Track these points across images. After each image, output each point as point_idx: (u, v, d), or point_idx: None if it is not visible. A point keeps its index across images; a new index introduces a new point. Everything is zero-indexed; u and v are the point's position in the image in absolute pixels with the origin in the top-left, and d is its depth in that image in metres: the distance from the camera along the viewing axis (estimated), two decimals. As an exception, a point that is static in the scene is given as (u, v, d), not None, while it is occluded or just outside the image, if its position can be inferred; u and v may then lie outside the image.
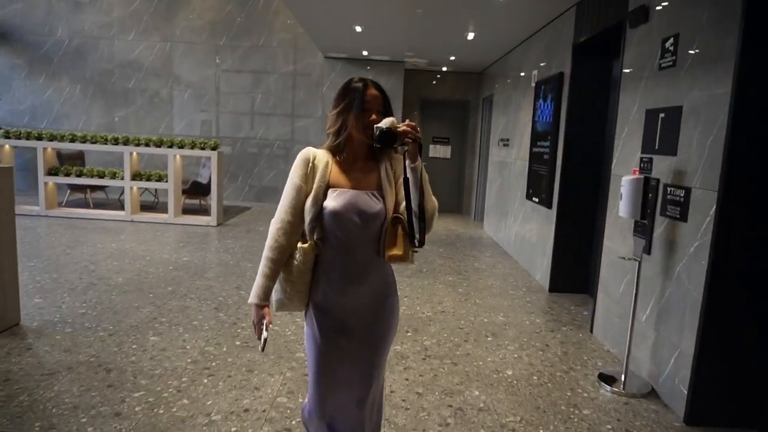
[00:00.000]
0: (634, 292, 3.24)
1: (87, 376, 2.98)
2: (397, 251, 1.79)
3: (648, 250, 3.28)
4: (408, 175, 1.76)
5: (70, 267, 5.17)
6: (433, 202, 1.83)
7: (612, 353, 3.79)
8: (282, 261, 1.79)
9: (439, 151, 10.31)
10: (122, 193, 8.30)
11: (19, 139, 7.73)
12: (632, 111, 3.65)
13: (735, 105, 2.61)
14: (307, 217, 1.77)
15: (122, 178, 7.76)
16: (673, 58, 3.14)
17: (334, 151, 1.84)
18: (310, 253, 1.78)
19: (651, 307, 3.30)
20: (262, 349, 1.78)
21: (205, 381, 3.01)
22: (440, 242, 7.51)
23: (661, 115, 3.23)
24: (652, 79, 3.39)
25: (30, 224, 7.10)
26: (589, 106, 4.95)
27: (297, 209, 1.78)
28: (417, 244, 1.80)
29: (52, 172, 7.83)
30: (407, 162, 1.75)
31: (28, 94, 9.94)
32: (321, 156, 1.82)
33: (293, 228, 1.79)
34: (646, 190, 3.10)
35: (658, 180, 3.19)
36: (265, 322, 1.78)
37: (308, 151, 1.83)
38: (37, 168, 7.77)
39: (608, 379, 3.33)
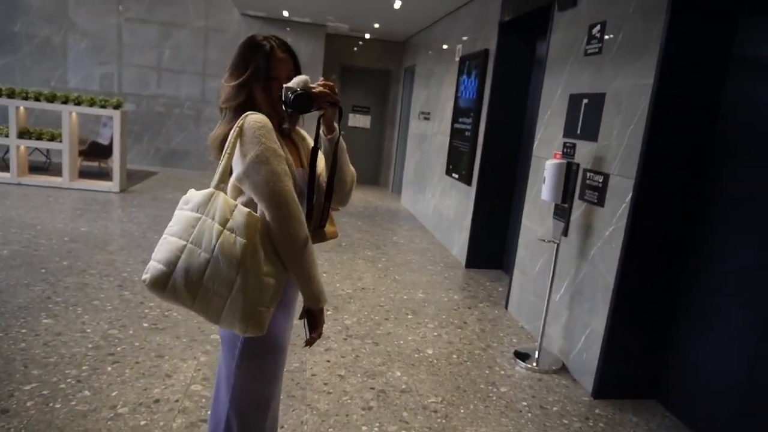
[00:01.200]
0: (552, 272, 3.34)
1: (-34, 367, 2.63)
2: (334, 228, 1.68)
3: (566, 232, 3.38)
4: (320, 145, 1.55)
5: (-57, 236, 4.56)
6: (351, 172, 1.66)
7: (526, 330, 3.93)
8: None
9: (359, 121, 10.15)
10: (7, 152, 7.42)
11: None
12: (556, 94, 3.71)
13: (656, 96, 2.69)
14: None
15: (6, 136, 6.92)
16: (599, 45, 3.19)
17: None
18: None
19: (565, 287, 3.43)
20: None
21: (109, 369, 2.76)
22: (358, 215, 7.44)
23: (585, 100, 3.29)
24: (578, 64, 3.44)
25: None
26: (513, 85, 5.01)
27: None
28: (319, 224, 1.61)
29: None
30: (322, 130, 1.53)
31: None
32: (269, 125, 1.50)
33: None
34: (568, 174, 3.17)
35: (578, 165, 3.27)
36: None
37: (265, 118, 1.47)
38: None
39: (523, 356, 3.44)
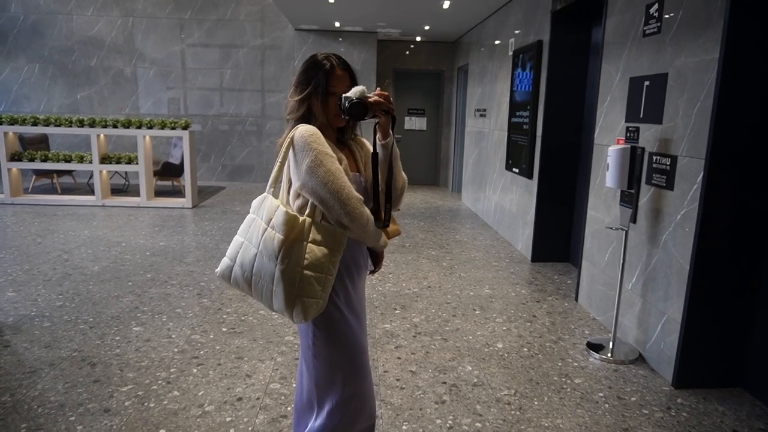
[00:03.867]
0: (621, 260, 3.26)
1: (71, 372, 2.88)
2: (397, 227, 1.79)
3: (634, 219, 3.29)
4: (378, 150, 1.66)
5: (42, 257, 4.99)
6: (403, 178, 1.77)
7: (598, 321, 3.84)
8: None
9: (414, 123, 10.21)
10: (91, 177, 8.01)
11: (-23, 124, 7.35)
12: (615, 79, 3.62)
13: (722, 72, 2.59)
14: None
15: (90, 162, 7.48)
16: (658, 24, 3.10)
17: None
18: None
19: (637, 275, 3.34)
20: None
21: (195, 371, 2.95)
22: (420, 216, 7.49)
23: (646, 83, 3.20)
24: (636, 46, 3.35)
25: (-5, 213, 6.81)
26: (569, 75, 4.92)
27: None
28: (383, 224, 1.70)
29: (15, 157, 7.50)
30: (378, 136, 1.65)
31: (-17, 76, 9.45)
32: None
33: None
34: (633, 159, 3.09)
35: (643, 149, 3.18)
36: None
37: (314, 128, 1.60)
38: (-2, 154, 7.43)
39: (596, 347, 3.37)
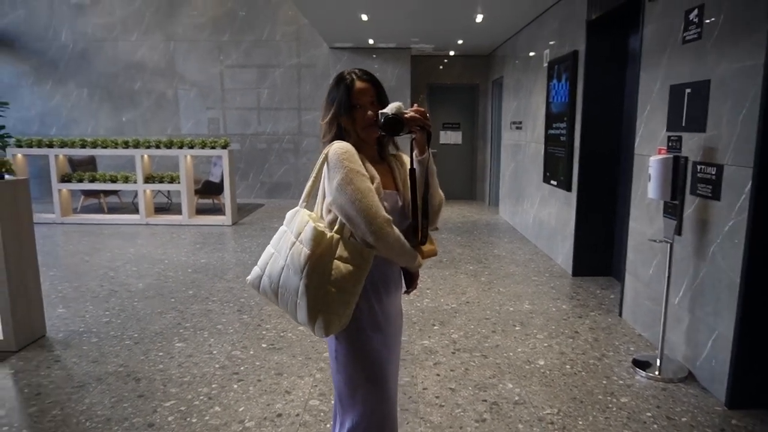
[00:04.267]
0: (667, 274, 3.15)
1: (117, 387, 2.96)
2: (433, 246, 1.75)
3: (679, 231, 3.19)
4: (414, 166, 1.66)
5: (90, 274, 5.17)
6: (440, 195, 1.75)
7: (644, 337, 3.71)
8: None
9: (450, 137, 10.19)
10: (135, 196, 8.29)
11: (32, 147, 7.72)
12: (654, 88, 3.54)
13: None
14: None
15: (135, 182, 7.74)
16: (698, 30, 3.02)
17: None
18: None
19: (684, 290, 3.22)
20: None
21: (235, 386, 2.98)
22: (457, 230, 7.43)
23: (687, 90, 3.12)
24: (676, 53, 3.27)
25: (47, 232, 7.11)
26: (606, 84, 4.83)
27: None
28: (420, 241, 1.69)
29: (65, 179, 7.83)
30: (414, 153, 1.65)
31: (36, 101, 9.94)
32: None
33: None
34: (676, 169, 3.00)
35: (686, 158, 3.08)
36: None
37: (349, 145, 1.61)
38: (49, 175, 7.78)
39: (643, 364, 3.26)
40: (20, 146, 7.76)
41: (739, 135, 2.70)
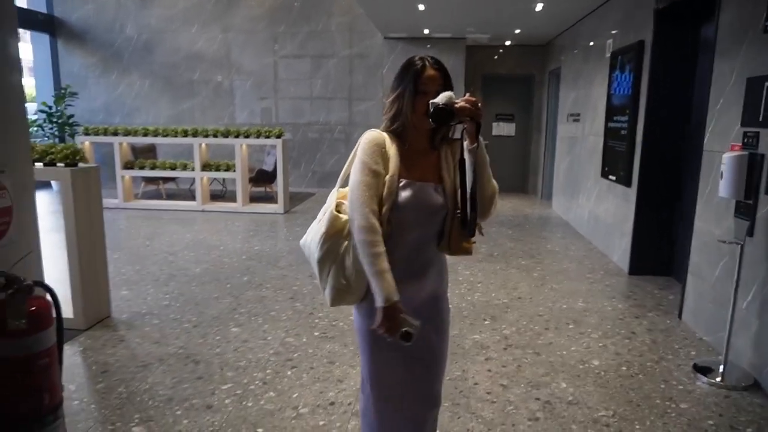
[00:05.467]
0: (736, 277, 3.00)
1: (177, 368, 3.08)
2: (466, 244, 1.72)
3: (751, 232, 3.02)
4: (465, 157, 1.63)
5: (150, 258, 5.39)
6: (493, 186, 1.69)
7: (705, 341, 3.56)
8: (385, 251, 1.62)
9: (503, 129, 10.01)
10: (192, 183, 8.57)
11: (98, 135, 8.09)
12: (730, 80, 3.35)
13: None
14: (384, 207, 1.63)
15: (193, 170, 8.00)
16: (781, 19, 2.83)
17: (399, 137, 1.69)
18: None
19: (753, 294, 3.06)
20: (410, 338, 1.57)
21: (289, 373, 3.05)
22: (508, 223, 7.32)
23: (767, 83, 2.93)
24: (756, 43, 3.08)
25: (111, 217, 7.43)
26: (674, 76, 4.61)
27: (379, 198, 1.62)
28: (468, 232, 1.68)
29: (128, 166, 8.17)
30: (465, 143, 1.62)
31: (102, 91, 10.39)
32: (390, 141, 1.68)
33: (378, 216, 1.63)
34: (751, 167, 2.84)
35: (763, 156, 2.91)
36: (404, 316, 1.57)
37: (378, 134, 1.68)
38: (113, 162, 8.13)
39: (704, 369, 3.12)
40: (88, 134, 8.14)
41: (823, 132, 2.53)
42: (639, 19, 4.96)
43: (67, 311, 3.58)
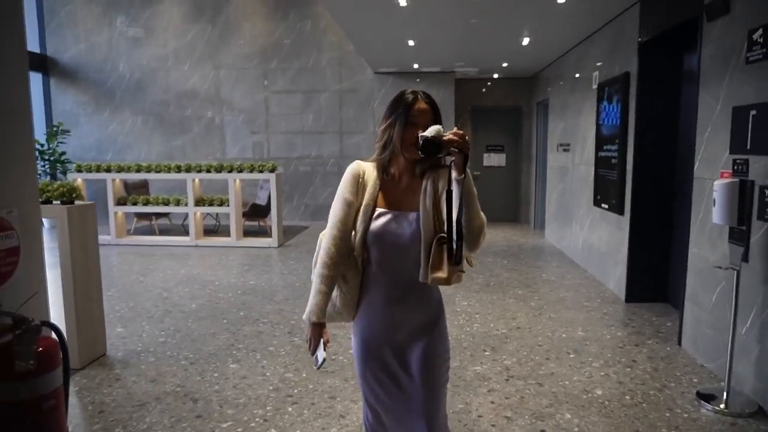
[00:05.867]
0: (734, 303, 3.02)
1: (175, 407, 3.02)
2: (440, 274, 1.67)
3: (746, 257, 3.06)
4: (452, 188, 1.65)
5: (144, 295, 5.32)
6: (480, 218, 1.68)
7: (707, 368, 3.55)
8: (337, 276, 1.76)
9: (493, 160, 10.14)
10: (186, 218, 8.55)
11: (91, 172, 8.08)
12: (716, 109, 3.44)
13: None
14: (357, 234, 1.75)
15: (186, 205, 7.99)
16: (763, 50, 2.93)
17: (383, 166, 1.79)
18: (356, 268, 1.79)
19: (752, 319, 3.08)
20: (318, 368, 1.81)
21: (290, 409, 3.00)
22: (502, 253, 7.34)
23: (752, 112, 3.02)
24: (738, 74, 3.18)
25: (103, 253, 7.29)
26: (661, 106, 4.73)
27: (347, 225, 1.76)
28: (453, 262, 1.68)
29: (120, 202, 8.15)
30: (453, 174, 1.64)
31: (94, 129, 10.42)
32: (370, 171, 1.79)
33: (344, 243, 1.76)
34: (742, 193, 2.89)
35: (753, 182, 2.97)
36: (322, 340, 1.77)
37: (358, 165, 1.81)
38: (105, 198, 8.10)
39: (707, 397, 3.11)
40: (80, 171, 8.13)
41: (811, 158, 2.60)
42: (623, 52, 5.11)
43: (62, 351, 3.53)
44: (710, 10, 3.42)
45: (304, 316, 1.76)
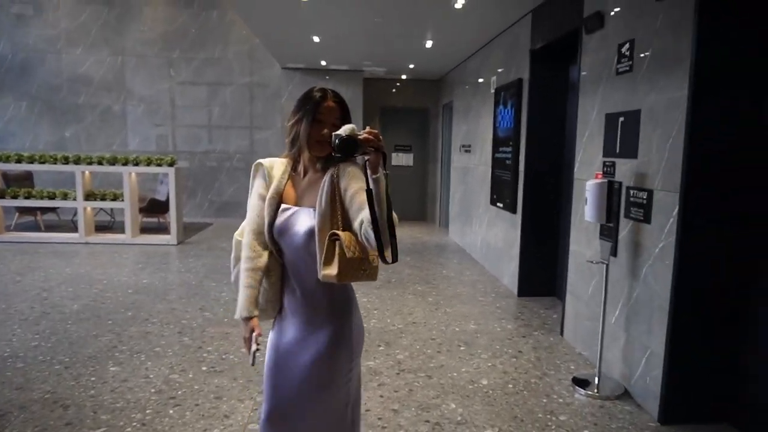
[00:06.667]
0: (603, 294, 3.26)
1: (42, 415, 2.79)
2: (329, 270, 1.62)
3: (614, 252, 3.31)
4: (371, 187, 1.62)
5: (20, 296, 4.89)
6: (394, 216, 1.65)
7: (584, 356, 3.81)
8: (261, 269, 1.75)
9: (401, 159, 10.31)
10: (75, 214, 7.96)
11: (-40, 161, 7.31)
12: (592, 115, 3.70)
13: (692, 107, 2.66)
14: (265, 228, 1.75)
15: (74, 199, 7.43)
16: (630, 62, 3.19)
17: (293, 162, 1.80)
18: (275, 263, 1.78)
19: (620, 309, 3.34)
20: (253, 364, 1.76)
21: (171, 412, 2.87)
22: (407, 250, 7.48)
23: (621, 119, 3.28)
24: (610, 83, 3.44)
25: (-25, 251, 6.71)
26: (549, 111, 5.02)
27: (263, 219, 1.76)
28: (388, 260, 1.62)
29: (-2, 195, 7.44)
30: (369, 173, 1.62)
31: (-30, 114, 9.45)
32: (278, 166, 1.80)
33: (263, 237, 1.76)
34: (610, 193, 3.13)
35: (620, 183, 3.23)
36: (254, 335, 1.73)
37: (260, 162, 1.83)
38: (-19, 191, 7.37)
39: (582, 382, 3.34)
40: (-51, 160, 7.33)
41: (667, 161, 2.85)
42: (518, 59, 5.37)
43: None
44: (588, 23, 3.67)
45: (236, 316, 1.76)
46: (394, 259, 1.62)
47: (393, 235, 1.60)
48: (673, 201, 2.79)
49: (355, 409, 1.87)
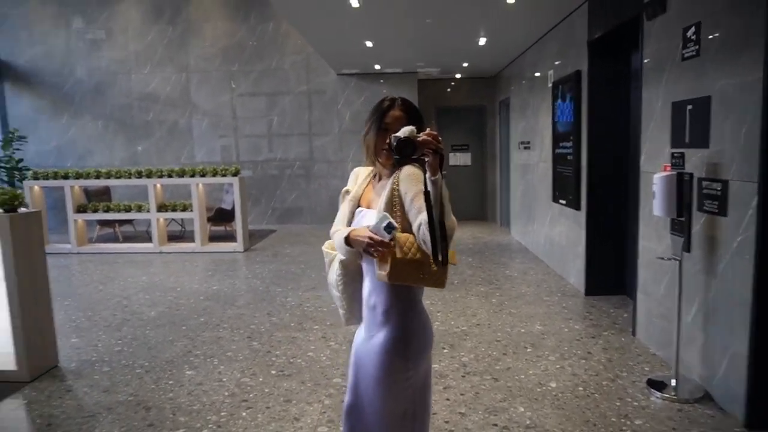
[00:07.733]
0: (678, 292, 3.11)
1: (127, 416, 2.97)
2: (382, 270, 1.64)
3: (687, 248, 3.15)
4: (429, 189, 1.61)
5: (103, 303, 5.22)
6: (451, 220, 1.64)
7: (658, 357, 3.65)
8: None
9: (459, 159, 10.23)
10: (149, 225, 8.42)
11: (47, 179, 7.90)
12: (657, 105, 3.54)
13: (767, 91, 2.50)
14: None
15: (148, 211, 7.86)
16: (696, 47, 3.03)
17: (375, 169, 1.89)
18: (351, 265, 1.83)
19: (696, 308, 3.17)
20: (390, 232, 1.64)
21: (244, 414, 2.98)
22: (468, 251, 7.41)
23: (689, 107, 3.12)
24: (676, 70, 3.28)
25: (63, 262, 7.22)
26: (611, 103, 4.84)
27: (348, 220, 1.85)
28: (440, 262, 1.61)
29: (80, 209, 7.98)
30: (428, 175, 1.61)
31: (53, 134, 10.17)
32: (363, 172, 1.92)
33: None
34: (680, 186, 2.98)
35: (691, 175, 3.07)
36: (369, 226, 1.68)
37: (356, 168, 1.95)
38: (65, 206, 7.92)
39: (658, 384, 3.19)
40: (36, 178, 7.93)
41: (742, 150, 2.69)
42: (575, 51, 5.22)
43: (9, 363, 3.44)
44: (649, 9, 3.52)
45: (342, 242, 1.74)
46: (444, 262, 1.60)
47: (444, 238, 1.58)
48: (751, 191, 2.63)
49: (418, 422, 1.81)
